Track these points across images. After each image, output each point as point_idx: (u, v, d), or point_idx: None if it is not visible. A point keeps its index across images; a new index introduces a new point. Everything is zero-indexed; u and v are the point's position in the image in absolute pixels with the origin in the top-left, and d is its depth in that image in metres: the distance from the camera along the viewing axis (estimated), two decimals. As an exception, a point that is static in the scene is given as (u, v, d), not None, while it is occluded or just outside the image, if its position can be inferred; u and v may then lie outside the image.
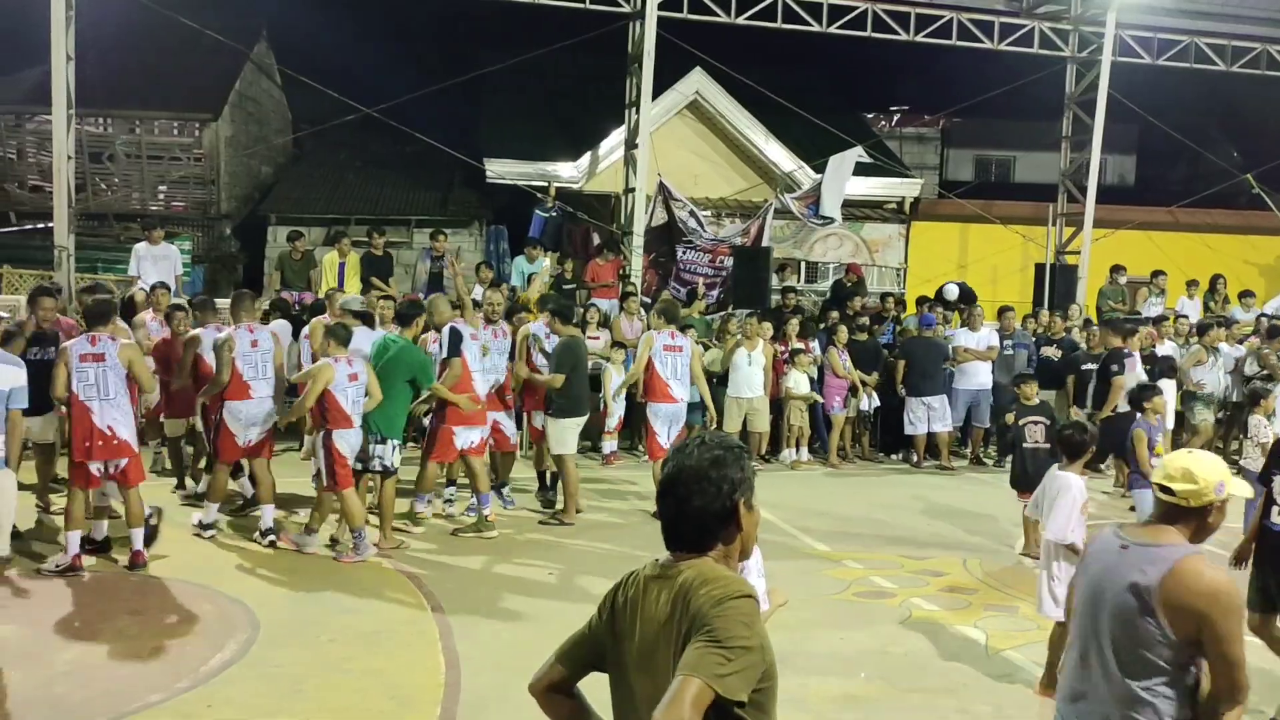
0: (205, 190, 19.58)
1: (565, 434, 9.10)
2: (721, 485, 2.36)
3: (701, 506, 2.35)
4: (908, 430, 12.67)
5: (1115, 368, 10.98)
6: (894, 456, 13.21)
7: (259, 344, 8.31)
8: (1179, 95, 20.10)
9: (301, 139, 20.47)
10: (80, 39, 13.52)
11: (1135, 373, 11.13)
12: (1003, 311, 13.45)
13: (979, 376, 12.78)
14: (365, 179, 19.54)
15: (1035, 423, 8.80)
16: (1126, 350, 11.35)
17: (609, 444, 12.32)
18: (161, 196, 19.59)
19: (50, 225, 13.71)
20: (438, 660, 5.96)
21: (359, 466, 8.07)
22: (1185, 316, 14.25)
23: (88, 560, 7.41)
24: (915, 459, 12.69)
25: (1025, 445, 8.77)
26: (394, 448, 8.18)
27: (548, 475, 9.97)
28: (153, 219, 17.48)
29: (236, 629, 6.28)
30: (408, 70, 18.84)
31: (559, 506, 9.45)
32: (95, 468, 7.28)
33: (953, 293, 15.13)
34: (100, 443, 7.21)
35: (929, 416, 12.54)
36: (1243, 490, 3.16)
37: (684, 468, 2.37)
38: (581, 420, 9.32)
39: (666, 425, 9.72)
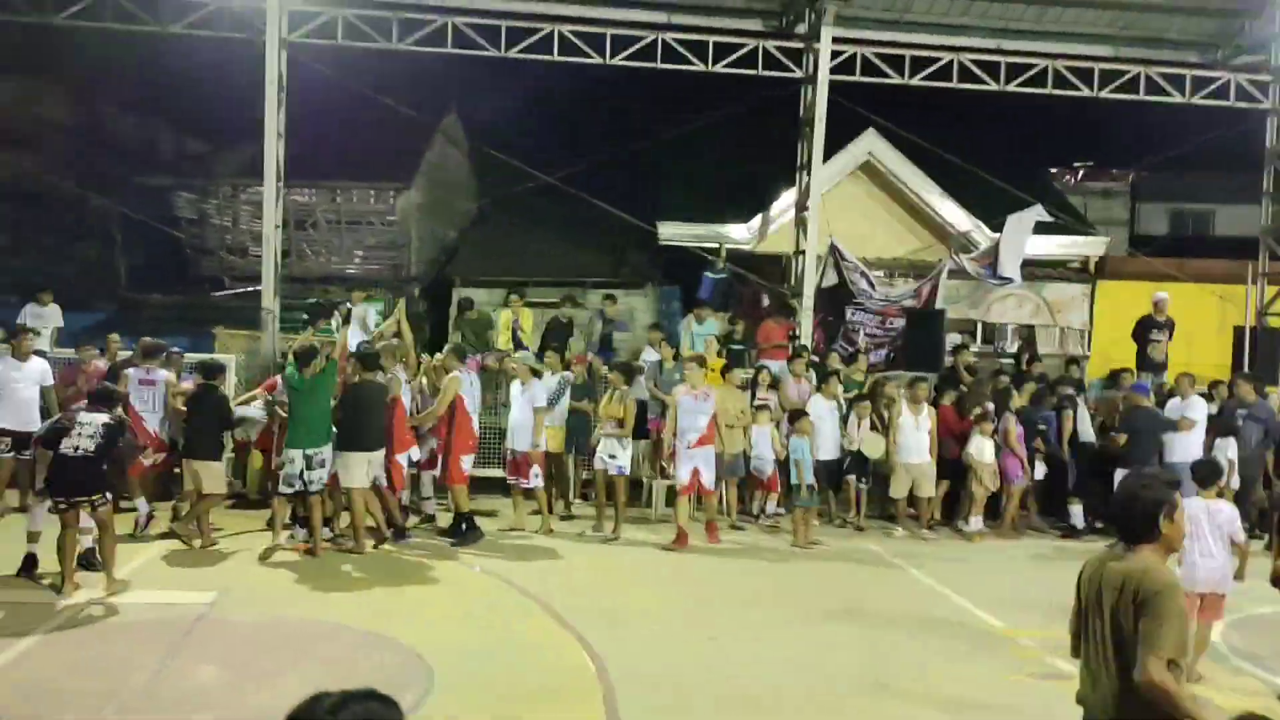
0: (397, 254, 20.74)
1: (346, 466, 9.91)
2: (1147, 504, 3.72)
3: (1137, 517, 3.73)
4: None
5: None
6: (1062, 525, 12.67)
7: None
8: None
9: (485, 204, 21.43)
10: (290, 117, 14.68)
11: None
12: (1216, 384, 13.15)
13: (1192, 449, 11.75)
14: (543, 242, 20.24)
15: None
16: None
17: (772, 504, 12.31)
18: (358, 260, 20.85)
19: (259, 289, 14.83)
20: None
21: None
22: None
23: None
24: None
25: None
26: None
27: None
28: (350, 282, 18.61)
29: (414, 681, 6.58)
30: (584, 136, 19.54)
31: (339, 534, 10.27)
32: None
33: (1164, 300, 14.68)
34: None
35: None
36: None
37: (1124, 489, 3.87)
38: (362, 455, 9.97)
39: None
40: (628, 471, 11.36)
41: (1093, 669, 3.78)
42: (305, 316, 13.14)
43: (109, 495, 8.53)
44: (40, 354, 11.48)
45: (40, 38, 16.64)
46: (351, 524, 10.07)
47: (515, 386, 11.43)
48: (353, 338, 12.85)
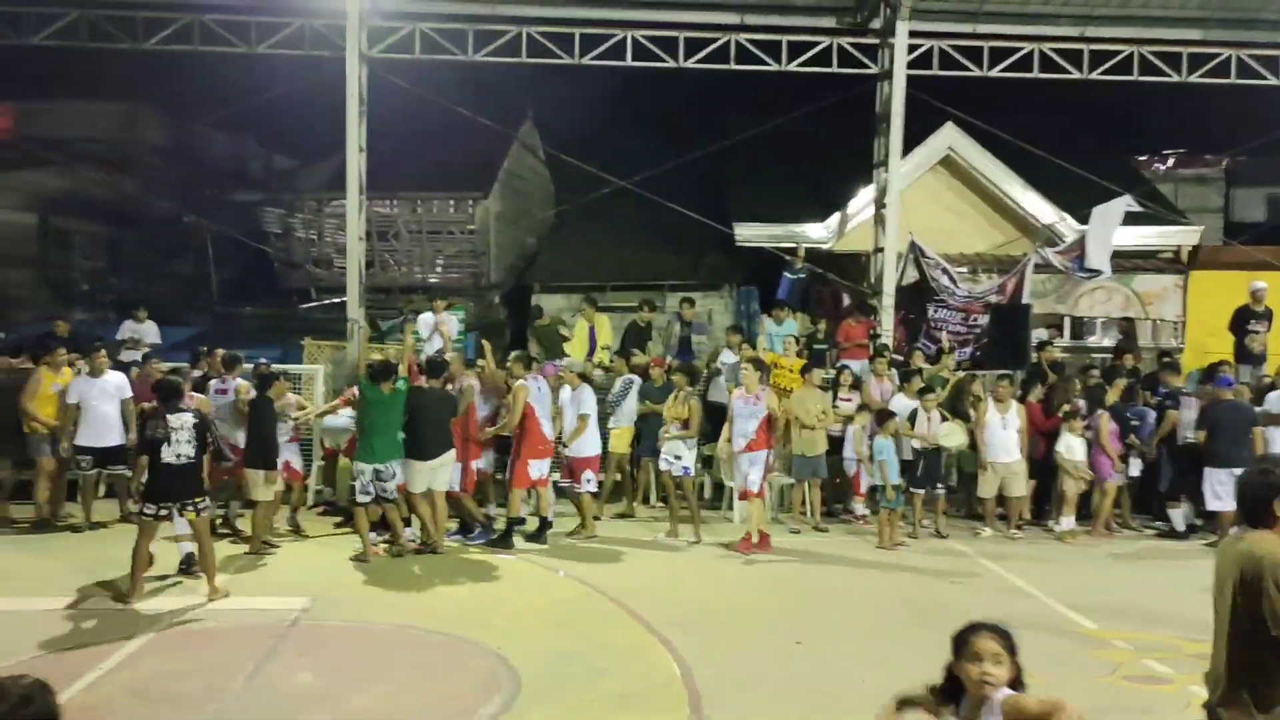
0: (477, 262, 21.01)
1: (411, 473, 10.17)
2: (1260, 490, 4.00)
3: (1251, 502, 4.04)
4: (1212, 506, 11.36)
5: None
6: (1158, 524, 12.32)
7: None
8: None
9: (562, 210, 21.62)
10: (369, 130, 14.99)
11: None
12: None
13: None
14: (620, 246, 20.32)
15: None
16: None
17: (859, 506, 12.20)
18: (439, 269, 21.18)
19: (344, 300, 15.17)
20: (687, 727, 6.11)
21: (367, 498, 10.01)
22: None
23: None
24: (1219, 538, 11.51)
25: None
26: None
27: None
28: (432, 291, 18.93)
29: (501, 685, 6.68)
30: (660, 140, 19.57)
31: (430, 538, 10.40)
32: None
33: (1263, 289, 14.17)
34: None
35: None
36: None
37: (1245, 475, 4.25)
38: (424, 464, 10.21)
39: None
40: (692, 472, 11.44)
41: (1215, 647, 4.04)
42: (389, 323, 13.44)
43: (208, 500, 8.85)
44: (121, 367, 11.86)
45: (134, 64, 17.28)
46: (423, 527, 10.36)
47: (565, 392, 11.54)
48: (431, 346, 13.12)
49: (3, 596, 8.58)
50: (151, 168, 22.34)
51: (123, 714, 6.16)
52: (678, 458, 11.17)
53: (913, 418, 11.75)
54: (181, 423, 8.47)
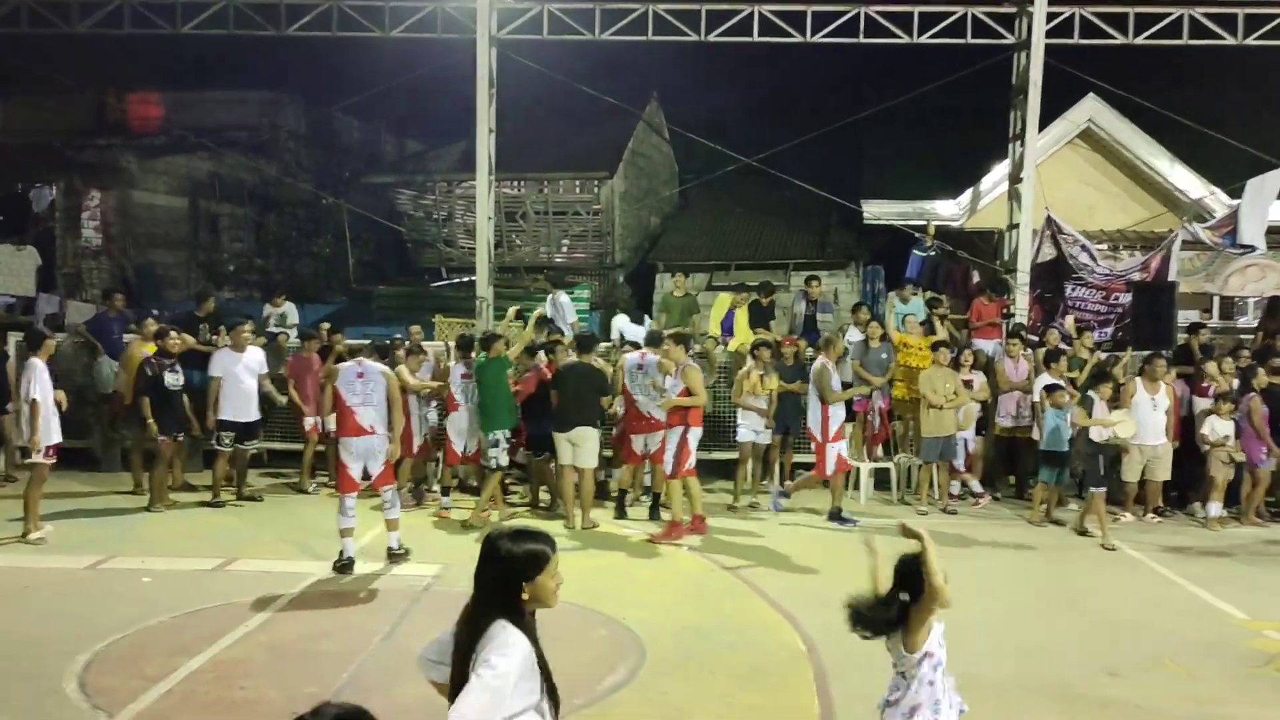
0: (601, 242, 21.22)
1: (577, 443, 10.43)
2: None
3: None
4: None
5: None
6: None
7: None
8: None
9: (687, 189, 21.61)
10: (498, 112, 15.22)
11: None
12: None
13: None
14: (745, 225, 20.24)
15: None
16: None
17: (976, 484, 11.93)
18: (564, 249, 21.48)
19: (474, 279, 15.48)
20: (813, 702, 6.06)
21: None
22: None
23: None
24: None
25: None
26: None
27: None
28: (557, 270, 19.20)
29: (627, 655, 6.74)
30: (787, 116, 19.37)
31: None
32: None
33: None
34: None
35: None
36: None
37: None
38: (560, 435, 10.47)
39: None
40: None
41: None
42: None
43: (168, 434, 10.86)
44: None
45: (275, 53, 17.95)
46: (562, 498, 10.65)
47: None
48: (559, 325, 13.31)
49: (151, 558, 9.05)
50: (291, 152, 23.22)
51: (263, 670, 6.44)
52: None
53: (1089, 408, 10.74)
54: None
